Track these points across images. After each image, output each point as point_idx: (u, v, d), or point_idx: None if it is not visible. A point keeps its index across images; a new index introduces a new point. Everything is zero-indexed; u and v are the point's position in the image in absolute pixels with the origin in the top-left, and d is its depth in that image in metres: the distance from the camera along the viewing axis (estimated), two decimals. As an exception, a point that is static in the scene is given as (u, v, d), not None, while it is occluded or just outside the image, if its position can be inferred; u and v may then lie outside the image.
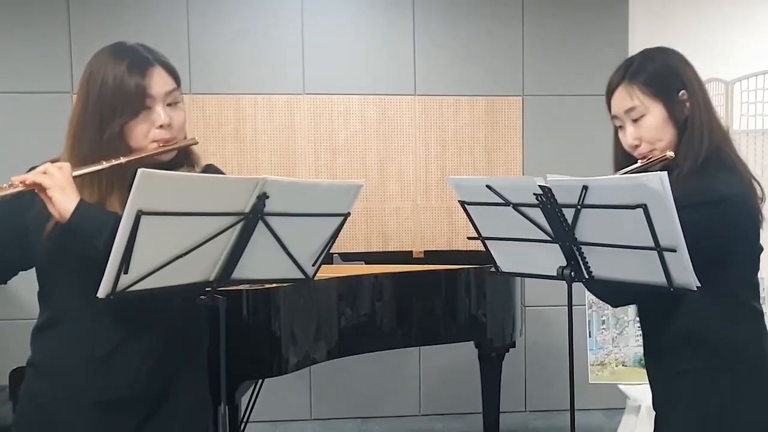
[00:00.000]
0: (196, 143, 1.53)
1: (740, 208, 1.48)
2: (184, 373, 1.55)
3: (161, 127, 1.45)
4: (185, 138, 1.52)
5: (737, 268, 1.53)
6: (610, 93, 1.61)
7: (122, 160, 1.41)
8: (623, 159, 1.64)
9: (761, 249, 1.56)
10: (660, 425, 1.64)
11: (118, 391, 1.47)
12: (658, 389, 1.63)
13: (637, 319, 1.75)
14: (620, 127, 1.61)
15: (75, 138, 1.44)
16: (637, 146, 1.57)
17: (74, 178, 1.37)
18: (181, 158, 1.52)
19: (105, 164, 1.39)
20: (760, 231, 1.55)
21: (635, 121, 1.56)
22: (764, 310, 1.68)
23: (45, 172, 1.35)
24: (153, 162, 1.46)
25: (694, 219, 1.34)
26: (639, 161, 1.58)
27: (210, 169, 1.58)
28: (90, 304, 1.39)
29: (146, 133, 1.45)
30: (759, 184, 1.54)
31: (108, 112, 1.41)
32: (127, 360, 1.47)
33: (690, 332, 1.52)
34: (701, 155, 1.51)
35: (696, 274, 1.31)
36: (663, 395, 1.62)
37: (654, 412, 1.67)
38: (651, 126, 1.54)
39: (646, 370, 1.68)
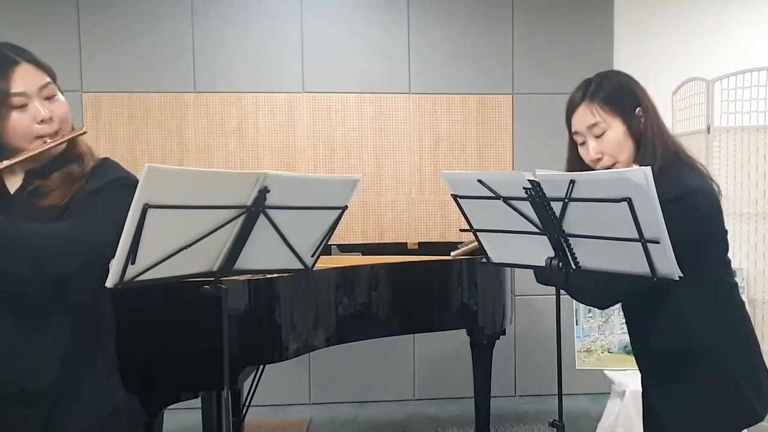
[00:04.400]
0: (85, 133, 1.49)
1: (710, 198, 1.57)
2: (89, 363, 1.50)
3: (42, 122, 1.41)
4: (72, 130, 1.48)
5: (716, 251, 1.62)
6: (571, 111, 1.66)
7: (5, 163, 1.36)
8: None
9: (726, 230, 1.65)
10: (647, 406, 1.70)
11: (20, 383, 1.41)
12: (646, 371, 1.70)
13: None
14: (582, 143, 1.66)
15: None
16: (599, 159, 1.62)
17: None
18: (70, 153, 1.47)
19: None
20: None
21: (598, 137, 1.61)
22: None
23: None
24: (42, 159, 1.42)
25: (674, 214, 1.36)
26: None
27: (108, 162, 1.53)
28: None
29: (28, 131, 1.41)
30: (715, 183, 1.62)
31: None
32: (27, 352, 1.41)
33: (673, 319, 1.58)
34: (657, 164, 1.55)
35: (681, 264, 1.35)
36: (651, 378, 1.69)
37: (639, 398, 1.73)
38: (612, 140, 1.60)
39: (635, 354, 1.73)
